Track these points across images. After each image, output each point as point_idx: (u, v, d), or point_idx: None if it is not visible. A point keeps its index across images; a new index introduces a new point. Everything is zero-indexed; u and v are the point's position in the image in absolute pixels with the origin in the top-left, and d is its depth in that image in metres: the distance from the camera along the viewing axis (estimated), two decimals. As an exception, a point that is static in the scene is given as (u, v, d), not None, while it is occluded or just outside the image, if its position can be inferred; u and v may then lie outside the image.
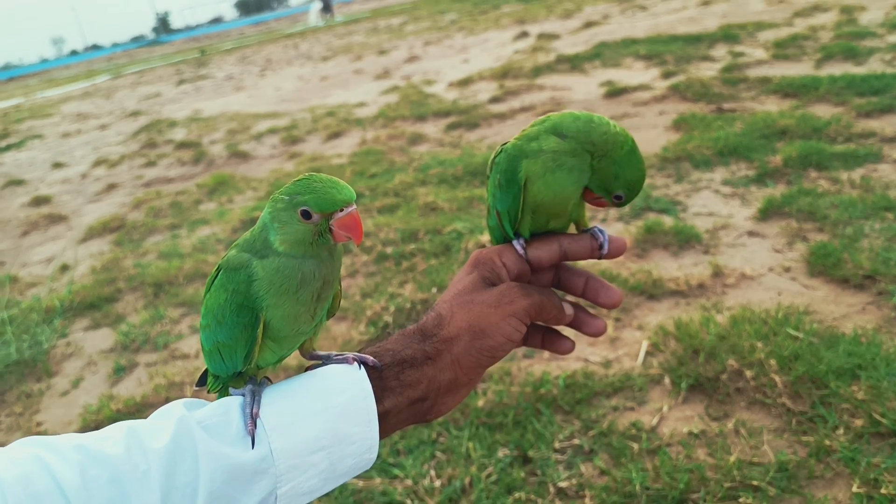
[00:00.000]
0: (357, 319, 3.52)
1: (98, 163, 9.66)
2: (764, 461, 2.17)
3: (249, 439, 0.74)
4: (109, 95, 20.47)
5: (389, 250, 4.27)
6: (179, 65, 27.73)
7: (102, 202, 7.46)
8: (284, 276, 0.74)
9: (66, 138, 12.88)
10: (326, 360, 0.85)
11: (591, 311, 0.99)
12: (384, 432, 0.82)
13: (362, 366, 0.82)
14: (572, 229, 0.97)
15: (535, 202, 0.89)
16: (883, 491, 1.95)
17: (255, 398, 0.77)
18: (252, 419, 0.75)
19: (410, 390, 0.83)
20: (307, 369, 0.86)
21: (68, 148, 11.62)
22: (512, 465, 2.36)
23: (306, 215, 0.72)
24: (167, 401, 3.18)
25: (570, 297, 0.98)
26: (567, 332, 1.00)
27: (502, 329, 0.85)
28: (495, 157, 0.92)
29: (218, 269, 0.79)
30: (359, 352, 0.85)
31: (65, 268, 5.41)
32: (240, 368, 0.80)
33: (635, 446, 2.33)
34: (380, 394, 0.81)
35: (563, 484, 2.23)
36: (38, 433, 3.17)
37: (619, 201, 0.89)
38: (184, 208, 6.45)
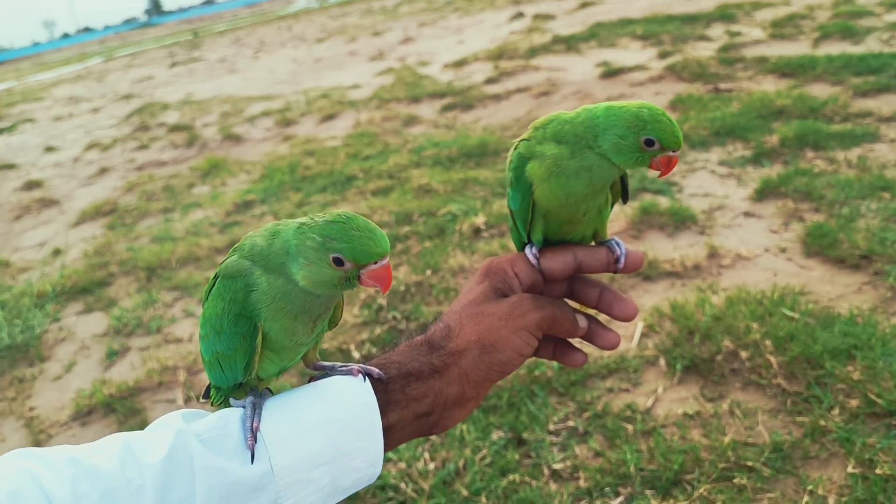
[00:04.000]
0: (351, 302, 3.50)
1: (90, 146, 9.58)
2: (759, 442, 2.16)
3: (249, 454, 0.72)
4: (102, 79, 20.30)
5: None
6: (172, 47, 27.50)
7: (95, 186, 7.40)
8: (290, 301, 0.73)
9: (59, 122, 12.77)
10: (331, 371, 0.83)
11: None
12: (388, 446, 0.80)
13: (367, 378, 0.80)
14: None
15: (544, 206, 0.86)
16: (878, 471, 1.95)
17: (256, 411, 0.75)
18: (252, 433, 0.73)
19: (416, 404, 0.81)
20: (311, 380, 0.83)
21: (60, 132, 11.53)
22: (506, 447, 2.35)
23: (338, 262, 0.69)
24: (160, 385, 3.17)
25: (583, 309, 0.95)
26: (576, 341, 0.97)
27: (512, 343, 0.82)
28: (510, 154, 0.89)
29: (215, 277, 0.77)
30: (364, 363, 0.83)
31: (57, 252, 5.37)
32: (240, 379, 0.78)
33: (630, 428, 2.32)
34: (384, 407, 0.79)
35: (557, 465, 2.23)
36: (31, 418, 3.16)
37: (651, 147, 0.79)
38: (177, 192, 6.41)
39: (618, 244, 0.90)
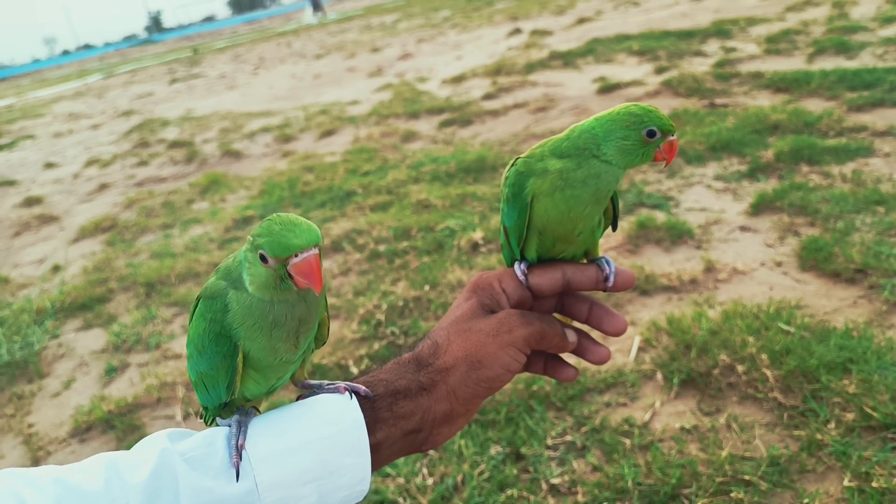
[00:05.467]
0: (349, 318, 3.51)
1: (90, 163, 9.62)
2: (756, 455, 2.17)
3: (234, 472, 0.72)
4: (101, 95, 20.39)
5: (382, 248, 4.26)
6: (172, 64, 27.64)
7: (94, 202, 7.43)
8: (255, 316, 0.72)
9: (58, 138, 12.82)
10: (318, 390, 0.83)
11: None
12: (377, 463, 0.80)
13: (354, 395, 0.80)
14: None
15: (542, 222, 0.87)
16: (874, 484, 1.95)
17: (242, 429, 0.75)
18: (237, 451, 0.73)
19: (404, 422, 0.81)
20: (298, 398, 0.84)
21: (60, 148, 11.57)
22: (504, 462, 2.35)
23: (263, 259, 0.69)
24: (159, 401, 3.18)
25: (573, 323, 0.95)
26: (568, 356, 0.98)
27: (500, 359, 0.82)
28: (507, 171, 0.90)
29: (198, 299, 0.78)
30: (351, 381, 0.83)
31: (56, 268, 5.38)
32: (224, 399, 0.78)
33: (627, 442, 2.33)
34: (372, 425, 0.79)
35: (555, 480, 2.23)
36: (30, 435, 3.16)
37: (653, 138, 0.83)
38: (176, 208, 6.43)
39: (608, 262, 0.90)
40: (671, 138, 0.84)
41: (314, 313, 0.77)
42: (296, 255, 0.68)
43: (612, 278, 0.89)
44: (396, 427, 0.81)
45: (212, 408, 0.82)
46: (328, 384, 0.84)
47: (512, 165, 0.89)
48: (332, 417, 0.77)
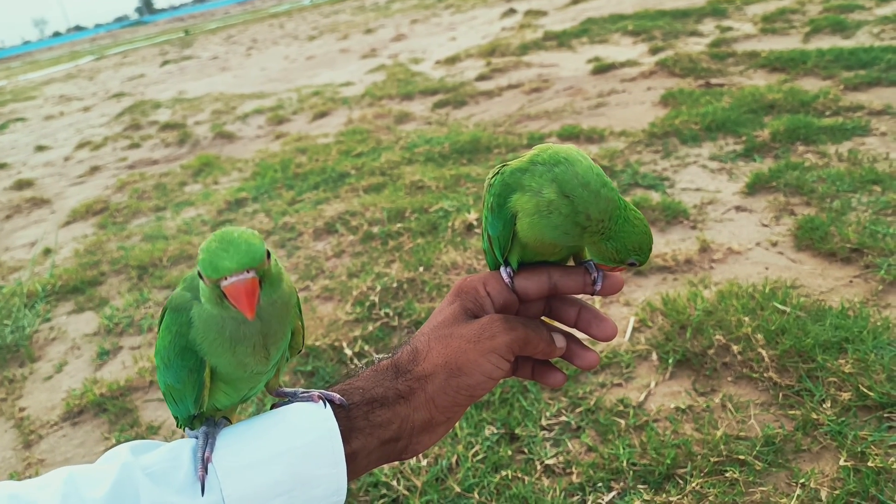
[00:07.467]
0: (343, 299, 3.48)
1: (81, 145, 9.53)
2: (751, 435, 2.16)
3: (199, 486, 0.69)
4: (93, 77, 20.20)
5: (376, 230, 4.23)
6: (163, 45, 27.38)
7: (86, 185, 7.36)
8: (214, 329, 0.69)
9: (49, 121, 12.71)
10: (292, 398, 0.81)
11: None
12: (354, 473, 0.77)
13: (328, 404, 0.77)
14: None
15: (525, 236, 0.83)
16: (870, 464, 1.95)
17: (209, 441, 0.73)
18: (203, 464, 0.70)
19: (381, 430, 0.78)
20: (272, 407, 0.81)
21: (51, 130, 11.47)
22: (499, 443, 2.35)
23: (200, 275, 0.66)
24: (152, 384, 3.15)
25: (562, 326, 0.92)
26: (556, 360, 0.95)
27: (481, 366, 0.79)
28: (492, 178, 0.86)
29: (165, 308, 0.75)
30: (327, 388, 0.80)
31: (48, 251, 5.34)
32: (192, 411, 0.76)
33: (622, 422, 2.32)
34: (347, 434, 0.76)
35: (550, 461, 2.22)
36: (22, 419, 3.14)
37: (634, 266, 0.84)
38: (168, 190, 6.38)
39: (595, 266, 0.87)
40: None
41: (279, 326, 0.73)
42: (225, 279, 0.65)
43: (599, 283, 0.85)
44: (373, 436, 0.78)
45: (181, 418, 0.80)
46: (302, 392, 0.81)
47: (498, 173, 0.85)
48: (305, 427, 0.75)
